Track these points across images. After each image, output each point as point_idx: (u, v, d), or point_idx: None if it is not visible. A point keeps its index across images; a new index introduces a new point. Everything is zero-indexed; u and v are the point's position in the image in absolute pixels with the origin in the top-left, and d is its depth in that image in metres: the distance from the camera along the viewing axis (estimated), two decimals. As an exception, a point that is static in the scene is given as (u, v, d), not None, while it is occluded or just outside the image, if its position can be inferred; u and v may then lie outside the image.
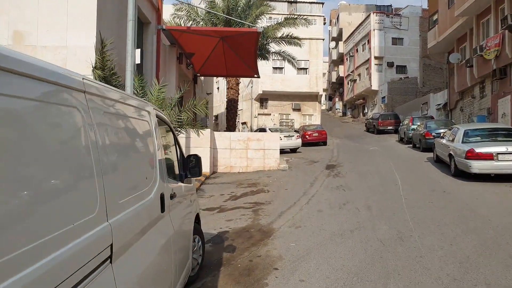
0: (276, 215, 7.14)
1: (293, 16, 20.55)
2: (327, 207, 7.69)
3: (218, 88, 41.35)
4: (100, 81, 7.76)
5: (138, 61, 8.28)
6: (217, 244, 5.63)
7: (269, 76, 31.41)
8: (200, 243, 4.42)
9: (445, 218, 6.61)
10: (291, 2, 32.41)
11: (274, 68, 32.13)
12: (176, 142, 3.83)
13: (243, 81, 34.78)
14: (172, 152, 3.99)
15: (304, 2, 32.46)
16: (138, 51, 8.26)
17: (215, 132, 13.08)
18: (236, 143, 13.06)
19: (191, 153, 11.13)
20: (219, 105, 40.48)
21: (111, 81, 7.97)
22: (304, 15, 31.49)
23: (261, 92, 31.63)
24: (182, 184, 3.75)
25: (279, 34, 20.55)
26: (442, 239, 5.54)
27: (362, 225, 6.38)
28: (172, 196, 3.13)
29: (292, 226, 6.38)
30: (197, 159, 3.92)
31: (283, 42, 20.89)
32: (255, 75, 17.73)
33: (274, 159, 13.10)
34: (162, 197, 2.76)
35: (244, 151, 13.07)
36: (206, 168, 11.91)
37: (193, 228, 4.09)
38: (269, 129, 20.91)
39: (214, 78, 32.66)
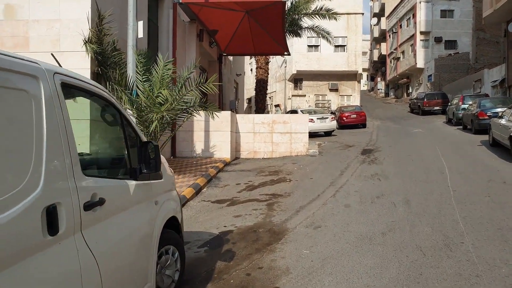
0: (293, 210, 6.01)
1: (327, -14, 18.80)
2: (357, 201, 6.45)
3: (251, 69, 40.16)
4: (97, 57, 6.88)
5: (140, 34, 7.32)
6: (213, 248, 4.62)
7: (303, 54, 29.81)
8: (177, 255, 3.40)
9: (509, 219, 5.19)
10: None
11: (309, 46, 30.43)
12: (125, 124, 2.75)
13: (277, 61, 33.35)
14: (117, 139, 2.94)
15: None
16: (140, 23, 7.29)
17: (237, 115, 12.03)
18: (260, 127, 11.95)
19: (211, 138, 10.19)
20: (252, 87, 39.44)
21: (110, 58, 7.08)
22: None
23: (295, 72, 30.13)
24: (134, 182, 2.70)
25: (312, 7, 18.94)
26: (506, 250, 4.19)
27: (397, 226, 5.12)
28: (94, 204, 2.09)
29: (309, 226, 5.24)
30: (155, 148, 2.85)
31: (317, 16, 19.25)
32: (285, 53, 16.40)
33: (302, 144, 11.88)
34: (50, 210, 1.72)
35: (269, 135, 11.94)
36: (226, 153, 10.92)
37: (162, 238, 3.07)
38: (301, 111, 19.58)
39: (247, 59, 31.54)
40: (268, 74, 19.23)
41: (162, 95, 7.08)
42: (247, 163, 10.88)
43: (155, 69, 7.59)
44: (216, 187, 7.93)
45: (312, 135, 19.05)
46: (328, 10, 19.35)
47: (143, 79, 7.32)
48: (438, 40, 35.41)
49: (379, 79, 52.08)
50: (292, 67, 29.97)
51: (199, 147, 11.03)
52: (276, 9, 12.49)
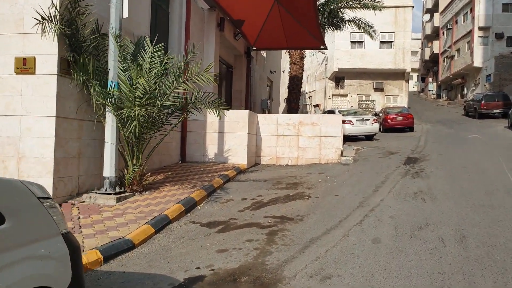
0: (300, 245, 4.42)
1: (371, -28, 16.77)
2: (391, 233, 4.74)
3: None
4: (69, 41, 5.65)
5: (125, 15, 6.03)
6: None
7: (346, 51, 27.74)
8: None
9: None
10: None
11: (352, 42, 28.30)
12: None
13: (317, 58, 31.47)
14: None
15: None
16: (126, 1, 6.00)
17: (258, 115, 10.53)
18: (284, 128, 10.37)
19: (226, 140, 8.76)
20: (292, 86, 37.89)
21: (85, 42, 5.83)
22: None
23: (337, 70, 28.12)
24: None
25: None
26: None
27: (447, 282, 3.41)
28: None
29: (315, 276, 3.64)
30: None
31: (359, 7, 17.32)
32: (321, 47, 14.68)
33: (333, 149, 10.16)
34: None
35: (295, 139, 10.33)
36: (242, 159, 9.46)
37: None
38: (339, 111, 17.70)
39: (284, 54, 29.96)
40: (303, 70, 17.56)
41: (140, 86, 5.74)
42: (265, 171, 9.35)
43: (142, 57, 6.26)
44: (217, 202, 6.49)
45: (351, 138, 17.15)
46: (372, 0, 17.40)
47: (124, 68, 6.02)
48: (499, 36, 31.82)
49: (430, 79, 48.41)
50: (333, 65, 28.00)
51: (211, 150, 9.66)
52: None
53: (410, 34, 28.15)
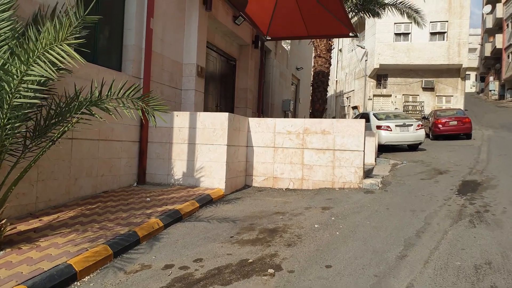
0: None
1: None
2: None
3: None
4: None
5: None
6: None
7: (389, 44, 24.11)
8: None
9: None
10: None
11: (396, 34, 24.62)
12: None
13: (356, 54, 28.00)
14: None
15: None
16: None
17: (250, 120, 7.73)
18: (284, 138, 7.52)
19: (198, 154, 6.11)
20: (328, 86, 34.37)
21: None
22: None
23: (378, 67, 24.56)
24: None
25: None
26: None
27: None
28: None
29: None
30: None
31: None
32: (351, 33, 11.60)
33: (352, 169, 7.14)
34: None
35: (298, 152, 7.44)
36: (219, 181, 6.74)
37: None
38: (374, 114, 14.43)
39: (309, 45, 26.84)
40: (330, 64, 14.49)
41: None
42: (249, 200, 6.52)
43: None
44: (120, 271, 3.79)
45: (390, 148, 13.87)
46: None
47: None
48: None
49: (491, 78, 42.86)
50: (374, 61, 24.47)
51: (179, 168, 7.01)
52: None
53: (468, 22, 23.94)
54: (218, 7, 9.43)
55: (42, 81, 4.09)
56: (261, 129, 7.65)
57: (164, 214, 5.20)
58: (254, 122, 7.70)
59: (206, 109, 9.63)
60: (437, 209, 5.52)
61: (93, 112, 4.30)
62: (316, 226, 4.92)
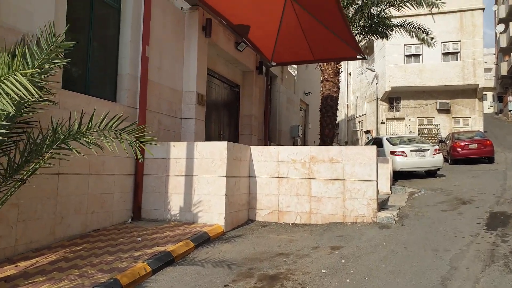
0: None
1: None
2: None
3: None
4: None
5: None
6: None
7: (399, 66, 23.65)
8: None
9: None
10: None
11: (407, 55, 24.21)
12: None
13: (366, 77, 27.59)
14: None
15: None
16: None
17: (252, 148, 7.24)
18: (289, 167, 6.97)
19: (196, 187, 5.69)
20: (339, 110, 33.83)
21: None
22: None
23: (389, 89, 24.04)
24: None
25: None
26: None
27: None
28: None
29: None
30: None
31: (410, 5, 13.67)
32: (359, 56, 11.18)
33: (365, 201, 6.52)
34: None
35: (305, 183, 6.87)
36: (218, 216, 6.19)
37: None
38: (387, 139, 13.80)
39: (315, 69, 26.63)
40: (339, 88, 14.03)
41: None
42: (250, 239, 5.94)
43: None
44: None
45: (406, 174, 13.15)
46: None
47: None
48: None
49: (510, 98, 41.75)
50: (385, 83, 23.96)
51: (176, 203, 6.50)
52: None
53: (482, 41, 23.35)
54: (218, 34, 9.15)
55: (10, 115, 3.70)
56: (264, 158, 7.14)
57: (154, 257, 4.66)
58: (257, 151, 7.21)
59: (208, 138, 9.20)
60: (463, 248, 4.85)
61: (71, 147, 3.87)
62: (323, 271, 4.30)
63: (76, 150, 3.87)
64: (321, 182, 6.79)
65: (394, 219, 6.47)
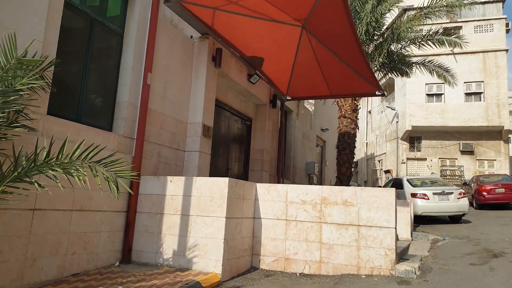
0: None
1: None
2: None
3: (358, 127, 33.89)
4: None
5: None
6: None
7: (421, 105, 23.02)
8: None
9: None
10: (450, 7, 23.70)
11: (428, 94, 23.57)
12: None
13: (386, 115, 26.95)
14: None
15: (472, 3, 23.25)
16: None
17: (258, 186, 6.61)
18: (298, 209, 6.29)
19: (191, 229, 5.12)
20: (358, 148, 32.91)
21: None
22: (473, 20, 22.71)
23: (410, 128, 23.28)
24: None
25: (423, 29, 13.08)
26: None
27: None
28: None
29: None
30: None
31: (431, 44, 13.24)
32: (378, 92, 10.66)
33: (382, 250, 5.73)
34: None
35: (315, 227, 6.15)
36: (215, 263, 5.49)
37: None
38: (408, 180, 12.96)
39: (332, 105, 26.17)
40: (357, 126, 13.44)
41: None
42: (250, 290, 5.19)
43: None
44: None
45: (428, 219, 12.19)
46: (447, 34, 13.30)
47: None
48: None
49: (535, 140, 40.16)
50: (406, 122, 23.25)
51: (169, 245, 5.85)
52: (339, 14, 7.36)
53: (506, 83, 22.57)
54: (230, 65, 8.80)
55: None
56: (271, 197, 6.48)
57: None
58: (263, 189, 6.57)
59: (214, 173, 8.64)
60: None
61: (33, 180, 3.34)
62: None
63: (39, 184, 3.33)
64: (333, 227, 6.06)
65: (415, 273, 5.63)
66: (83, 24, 5.74)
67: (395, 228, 5.81)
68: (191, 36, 7.97)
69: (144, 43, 6.50)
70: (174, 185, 6.02)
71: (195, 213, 5.78)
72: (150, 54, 6.47)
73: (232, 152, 9.85)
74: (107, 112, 6.19)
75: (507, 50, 22.85)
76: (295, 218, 6.30)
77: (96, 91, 6.03)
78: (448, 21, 21.54)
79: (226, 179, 5.71)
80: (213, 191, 5.72)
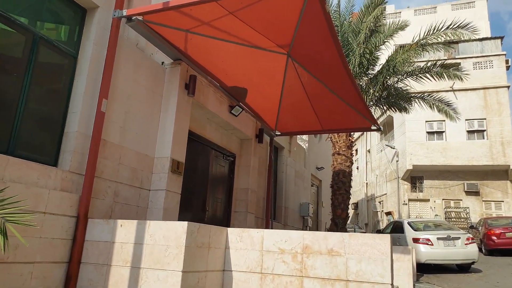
0: None
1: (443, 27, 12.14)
2: None
3: (357, 167, 32.88)
4: None
5: None
6: None
7: (421, 144, 22.18)
8: None
9: None
10: (448, 43, 23.46)
11: (428, 133, 22.82)
12: None
13: (386, 154, 26.06)
14: None
15: (470, 40, 22.98)
16: None
17: (229, 230, 5.59)
18: (275, 259, 5.24)
19: (142, 283, 4.13)
20: (358, 189, 31.71)
21: None
22: (472, 57, 22.40)
23: (411, 168, 22.33)
24: None
25: (420, 62, 12.49)
26: None
27: None
28: None
29: None
30: None
31: (430, 76, 12.60)
32: (373, 126, 9.83)
33: (377, 313, 4.62)
34: None
35: (296, 282, 5.07)
36: (164, 331, 4.38)
37: None
38: (409, 223, 11.83)
39: (325, 141, 25.29)
40: (352, 163, 12.51)
41: None
42: None
43: None
44: None
45: (433, 267, 10.97)
46: (446, 67, 12.71)
47: None
48: None
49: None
50: (406, 161, 22.33)
51: (115, 306, 4.76)
52: (323, 36, 6.64)
53: (510, 120, 21.84)
54: (208, 94, 8.03)
55: None
56: (244, 244, 5.45)
57: None
58: (235, 235, 5.54)
59: (187, 216, 7.62)
60: None
61: None
62: None
63: None
64: (316, 282, 4.97)
65: None
66: (23, 41, 5.00)
67: (392, 284, 4.72)
68: (162, 63, 7.26)
69: (101, 66, 5.75)
70: (125, 230, 5.02)
71: (147, 265, 4.74)
72: (107, 78, 5.69)
73: (211, 192, 8.87)
74: (51, 144, 5.32)
75: (508, 87, 22.32)
76: (272, 271, 5.22)
77: (38, 119, 5.19)
78: (446, 57, 21.17)
79: (185, 224, 4.72)
80: (168, 238, 4.72)
